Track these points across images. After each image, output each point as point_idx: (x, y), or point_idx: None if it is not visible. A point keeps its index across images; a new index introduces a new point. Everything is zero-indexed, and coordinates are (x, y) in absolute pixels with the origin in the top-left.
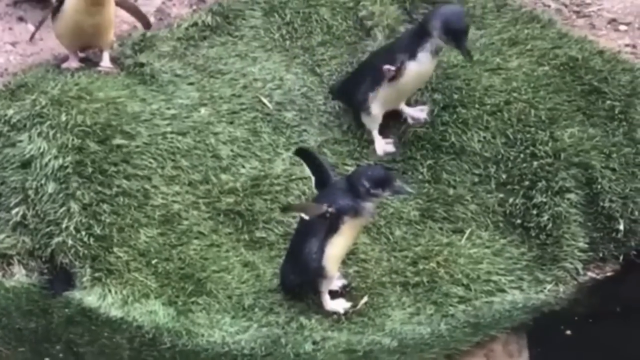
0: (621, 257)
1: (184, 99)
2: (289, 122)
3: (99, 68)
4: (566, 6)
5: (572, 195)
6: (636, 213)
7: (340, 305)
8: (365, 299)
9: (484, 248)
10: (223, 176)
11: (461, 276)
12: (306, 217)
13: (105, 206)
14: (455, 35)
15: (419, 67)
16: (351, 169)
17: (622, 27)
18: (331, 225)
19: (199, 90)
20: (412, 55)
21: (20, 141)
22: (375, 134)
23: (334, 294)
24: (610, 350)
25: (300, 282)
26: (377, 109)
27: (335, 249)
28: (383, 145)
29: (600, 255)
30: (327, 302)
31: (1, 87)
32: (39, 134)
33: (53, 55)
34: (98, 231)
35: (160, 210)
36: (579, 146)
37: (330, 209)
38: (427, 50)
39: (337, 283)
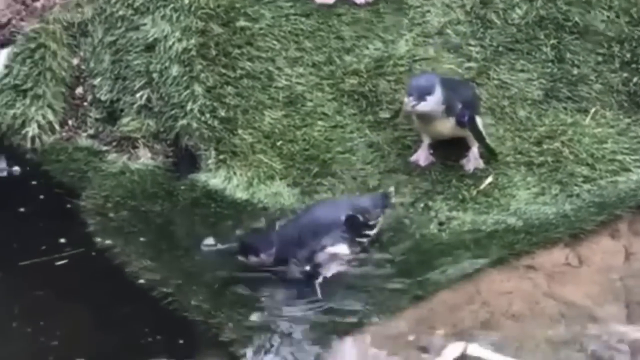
0: None
1: None
2: (412, 2)
3: None
4: None
5: None
6: None
7: None
8: (489, 178)
9: (608, 127)
10: (346, 57)
11: (586, 156)
12: None
13: (229, 88)
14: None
15: None
16: (473, 48)
17: None
18: None
19: None
20: None
21: (144, 24)
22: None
23: None
24: None
25: None
26: None
27: None
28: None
29: None
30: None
31: None
32: (162, 17)
33: None
34: (222, 113)
35: (284, 91)
36: None
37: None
38: None
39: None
